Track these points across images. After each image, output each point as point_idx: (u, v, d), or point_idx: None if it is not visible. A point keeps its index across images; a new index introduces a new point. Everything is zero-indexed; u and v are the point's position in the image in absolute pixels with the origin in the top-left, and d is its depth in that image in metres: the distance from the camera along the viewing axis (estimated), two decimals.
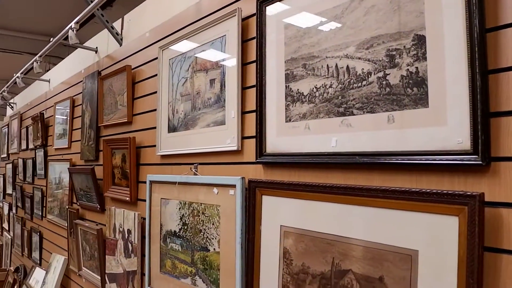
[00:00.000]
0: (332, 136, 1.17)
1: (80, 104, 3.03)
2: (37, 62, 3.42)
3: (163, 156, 1.97)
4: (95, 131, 2.70)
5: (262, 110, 1.39)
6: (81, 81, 3.05)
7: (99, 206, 2.57)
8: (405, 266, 0.97)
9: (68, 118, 3.27)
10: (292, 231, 1.26)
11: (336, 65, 1.17)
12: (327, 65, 1.20)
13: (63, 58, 3.93)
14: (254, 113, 1.44)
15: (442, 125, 0.93)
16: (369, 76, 1.08)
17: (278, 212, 1.32)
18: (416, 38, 0.99)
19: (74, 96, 3.26)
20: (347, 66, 1.14)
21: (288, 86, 1.32)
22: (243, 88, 1.52)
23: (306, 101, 1.26)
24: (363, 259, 1.06)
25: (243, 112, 1.51)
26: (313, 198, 1.19)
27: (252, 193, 1.39)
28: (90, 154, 2.75)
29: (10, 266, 4.89)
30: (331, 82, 1.19)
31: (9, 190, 5.21)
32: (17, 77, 4.10)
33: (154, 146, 2.01)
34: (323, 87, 1.21)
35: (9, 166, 5.18)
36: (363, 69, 1.10)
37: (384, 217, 1.02)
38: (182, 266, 1.74)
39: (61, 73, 3.83)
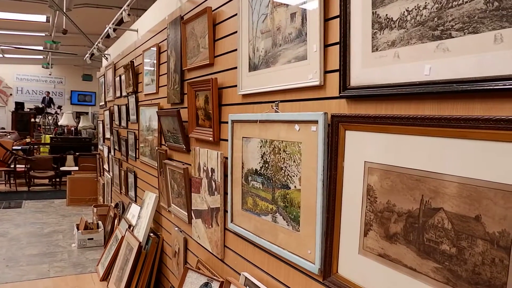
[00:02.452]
0: (425, 63, 1.05)
1: (165, 50, 3.13)
2: (125, 11, 3.57)
3: (244, 96, 1.97)
4: (180, 75, 2.79)
5: (346, 41, 1.30)
6: (166, 27, 3.13)
7: (185, 147, 2.69)
8: (509, 204, 0.87)
9: (155, 65, 3.40)
10: (377, 167, 1.20)
11: None
12: None
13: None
14: (338, 45, 1.35)
15: None
16: None
17: (362, 148, 1.25)
18: None
19: (159, 43, 3.36)
20: None
21: (375, 12, 1.20)
22: (326, 19, 1.43)
23: (395, 27, 1.14)
24: (458, 197, 0.98)
25: (326, 45, 1.43)
26: (401, 131, 1.11)
27: (335, 129, 1.33)
28: (176, 98, 2.86)
29: (111, 203, 5.46)
30: (425, 2, 1.05)
31: (107, 135, 5.72)
32: (109, 27, 4.34)
33: (236, 86, 2.02)
34: (415, 9, 1.08)
35: (107, 113, 5.64)
36: None
37: (485, 150, 0.91)
38: (263, 203, 1.77)
39: (147, 22, 3.96)
